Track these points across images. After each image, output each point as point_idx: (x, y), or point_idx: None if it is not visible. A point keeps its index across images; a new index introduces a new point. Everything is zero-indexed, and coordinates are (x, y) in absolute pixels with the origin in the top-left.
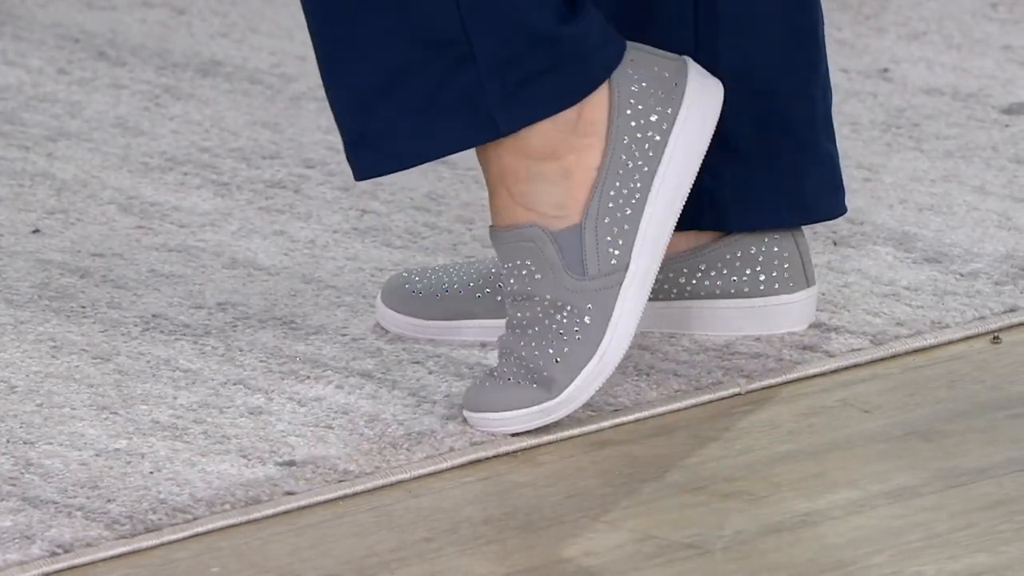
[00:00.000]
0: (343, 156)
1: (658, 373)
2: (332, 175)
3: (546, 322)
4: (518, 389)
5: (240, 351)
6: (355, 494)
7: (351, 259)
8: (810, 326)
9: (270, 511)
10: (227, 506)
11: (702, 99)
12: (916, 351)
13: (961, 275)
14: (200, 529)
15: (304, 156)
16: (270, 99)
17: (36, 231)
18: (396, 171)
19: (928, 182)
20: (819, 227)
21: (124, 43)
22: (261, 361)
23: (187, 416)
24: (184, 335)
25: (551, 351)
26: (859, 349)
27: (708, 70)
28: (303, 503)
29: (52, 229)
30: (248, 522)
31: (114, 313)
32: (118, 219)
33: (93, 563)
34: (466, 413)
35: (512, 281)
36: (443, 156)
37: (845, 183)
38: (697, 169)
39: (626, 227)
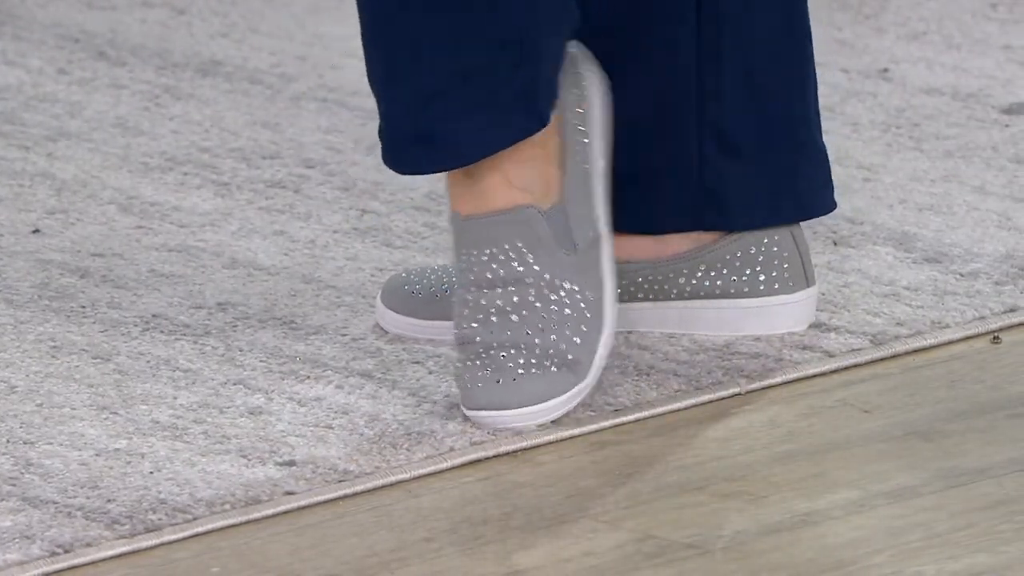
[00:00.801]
0: (343, 156)
1: (658, 373)
2: (332, 175)
3: (539, 304)
4: (543, 379)
5: (240, 351)
6: (355, 494)
7: (351, 259)
8: (810, 326)
9: (270, 511)
10: (227, 506)
11: (596, 76)
12: (916, 351)
13: (961, 275)
14: (200, 529)
15: (304, 156)
16: (270, 99)
17: (36, 231)
18: (454, 168)
19: (928, 182)
20: (819, 227)
21: (124, 43)
22: (261, 361)
23: (187, 416)
24: (184, 335)
25: (567, 332)
26: (859, 349)
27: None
28: (303, 503)
29: (52, 229)
30: (248, 522)
31: (114, 313)
32: (118, 219)
33: (93, 563)
34: (491, 414)
35: (493, 266)
36: (501, 150)
37: (845, 183)
38: (610, 139)
39: (589, 197)
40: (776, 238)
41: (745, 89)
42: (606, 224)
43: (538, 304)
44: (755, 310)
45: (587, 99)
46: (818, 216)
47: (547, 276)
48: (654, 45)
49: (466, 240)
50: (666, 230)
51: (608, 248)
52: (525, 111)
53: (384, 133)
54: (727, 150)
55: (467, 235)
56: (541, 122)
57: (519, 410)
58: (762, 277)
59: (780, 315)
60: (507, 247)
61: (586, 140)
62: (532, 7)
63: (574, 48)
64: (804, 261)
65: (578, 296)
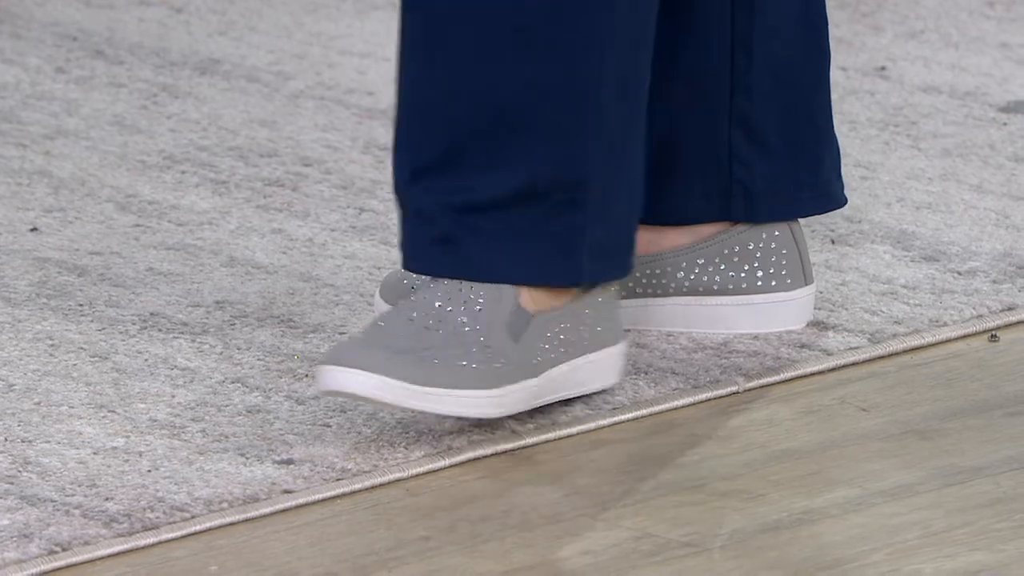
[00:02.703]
0: (341, 154)
1: (656, 371)
2: (330, 173)
3: (464, 340)
4: (415, 367)
5: (238, 349)
6: (353, 492)
7: (349, 257)
8: (808, 324)
9: (268, 509)
10: (225, 504)
11: (612, 366)
12: (914, 349)
13: (959, 273)
14: (198, 527)
15: (302, 154)
16: (268, 97)
17: (34, 229)
18: (466, 280)
19: (926, 180)
20: (817, 225)
21: (122, 41)
22: (259, 359)
23: (185, 414)
24: (182, 333)
25: (453, 352)
26: (857, 347)
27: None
28: (301, 501)
29: (50, 227)
30: (246, 520)
31: (112, 311)
32: (116, 217)
33: (91, 561)
34: (339, 369)
35: (457, 292)
36: (516, 284)
37: (844, 181)
38: (594, 389)
39: (552, 356)
40: (776, 234)
41: (771, 80)
42: (544, 385)
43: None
44: (753, 307)
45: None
46: (836, 209)
47: (480, 329)
48: (691, 40)
49: None
50: (697, 220)
51: (527, 393)
52: (560, 259)
53: (408, 228)
54: (754, 141)
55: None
56: (577, 277)
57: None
58: (760, 273)
59: (777, 313)
60: (473, 290)
61: (586, 333)
62: (604, 160)
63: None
64: (803, 258)
65: (476, 346)
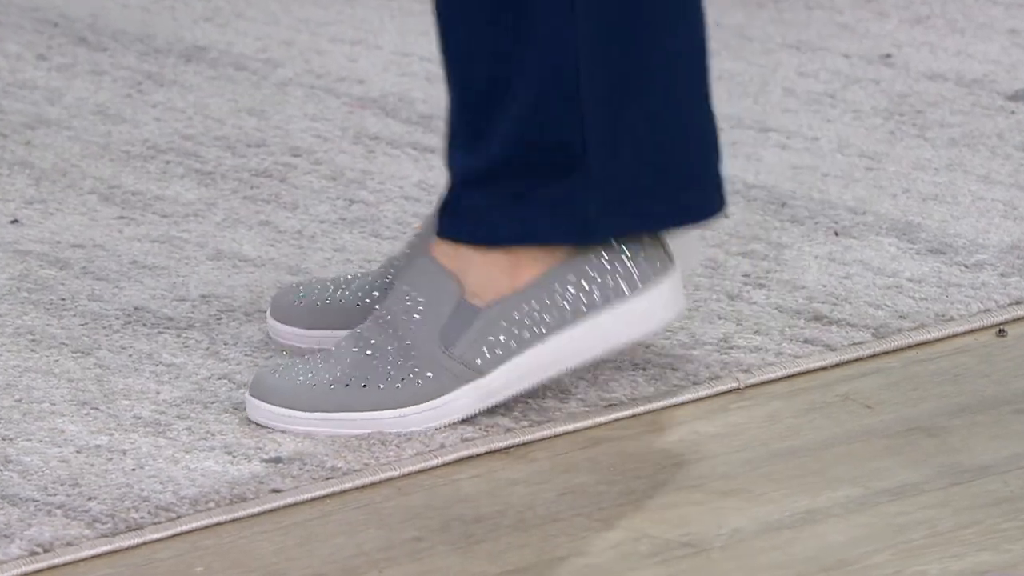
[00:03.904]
0: (331, 144)
1: (654, 367)
2: (319, 164)
3: (389, 359)
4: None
5: (225, 345)
6: (343, 491)
7: (339, 250)
8: (811, 318)
9: (255, 509)
10: (211, 504)
11: (658, 305)
12: (919, 344)
13: (966, 266)
14: (184, 528)
15: (291, 144)
16: (256, 85)
17: (14, 221)
18: (473, 244)
19: (932, 171)
20: (820, 217)
21: (105, 28)
22: (246, 355)
23: (170, 412)
24: (167, 328)
25: (367, 379)
26: (861, 343)
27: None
28: (289, 501)
29: (31, 219)
30: (233, 520)
31: (95, 306)
32: (99, 209)
33: (74, 562)
34: (252, 399)
35: (394, 300)
36: (524, 244)
37: (847, 172)
38: (602, 354)
39: (512, 344)
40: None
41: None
42: (504, 380)
43: (389, 357)
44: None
45: (619, 304)
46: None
47: (409, 343)
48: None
49: (409, 265)
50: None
51: (476, 396)
52: (566, 218)
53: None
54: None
55: (412, 260)
56: (587, 236)
57: (268, 405)
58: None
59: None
60: (414, 294)
61: (569, 309)
62: (597, 118)
63: (667, 259)
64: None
65: (412, 372)
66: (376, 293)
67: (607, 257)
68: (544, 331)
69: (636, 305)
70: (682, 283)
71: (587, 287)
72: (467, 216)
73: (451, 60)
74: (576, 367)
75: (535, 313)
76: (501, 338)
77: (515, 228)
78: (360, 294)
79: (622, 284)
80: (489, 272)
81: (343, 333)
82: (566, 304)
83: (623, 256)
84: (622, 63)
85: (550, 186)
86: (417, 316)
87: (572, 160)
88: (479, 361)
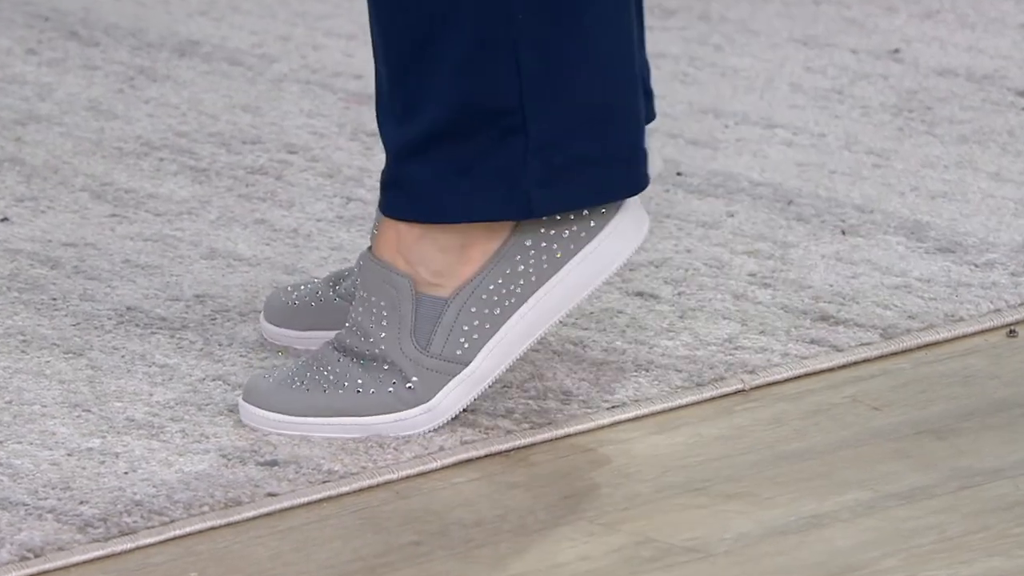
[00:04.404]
0: (327, 141)
1: (657, 368)
2: (315, 161)
3: (372, 364)
4: (307, 395)
5: (219, 345)
6: (340, 495)
7: (336, 249)
8: (818, 318)
9: (251, 513)
10: (206, 508)
11: (620, 237)
12: (928, 345)
13: (976, 266)
14: (177, 532)
15: (286, 141)
16: (251, 81)
17: (4, 219)
18: (420, 222)
19: (941, 168)
20: (827, 215)
21: (97, 22)
22: (241, 356)
23: (164, 414)
24: (160, 329)
25: (359, 383)
26: (869, 343)
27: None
28: (285, 505)
29: (21, 217)
30: (228, 525)
31: (87, 306)
32: (91, 207)
33: (65, 567)
34: (244, 403)
35: (360, 309)
36: (470, 222)
37: (855, 169)
38: (579, 300)
39: (487, 326)
40: None
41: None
42: (494, 360)
43: (373, 364)
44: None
45: (582, 248)
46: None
47: (382, 348)
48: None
49: (361, 272)
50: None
51: (468, 384)
52: (506, 191)
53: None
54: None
55: (363, 265)
56: (527, 209)
57: (262, 411)
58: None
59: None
60: (374, 299)
61: (532, 272)
62: (536, 81)
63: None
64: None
65: (396, 380)
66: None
67: None
68: (515, 302)
69: (599, 245)
70: (640, 206)
71: (545, 245)
72: (408, 191)
73: (380, 24)
74: (559, 320)
75: (502, 288)
76: (475, 323)
77: (458, 205)
78: (355, 289)
79: (578, 230)
80: (441, 257)
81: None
82: (529, 269)
83: None
84: (558, 20)
85: (490, 156)
86: (384, 323)
87: (510, 125)
88: (459, 352)
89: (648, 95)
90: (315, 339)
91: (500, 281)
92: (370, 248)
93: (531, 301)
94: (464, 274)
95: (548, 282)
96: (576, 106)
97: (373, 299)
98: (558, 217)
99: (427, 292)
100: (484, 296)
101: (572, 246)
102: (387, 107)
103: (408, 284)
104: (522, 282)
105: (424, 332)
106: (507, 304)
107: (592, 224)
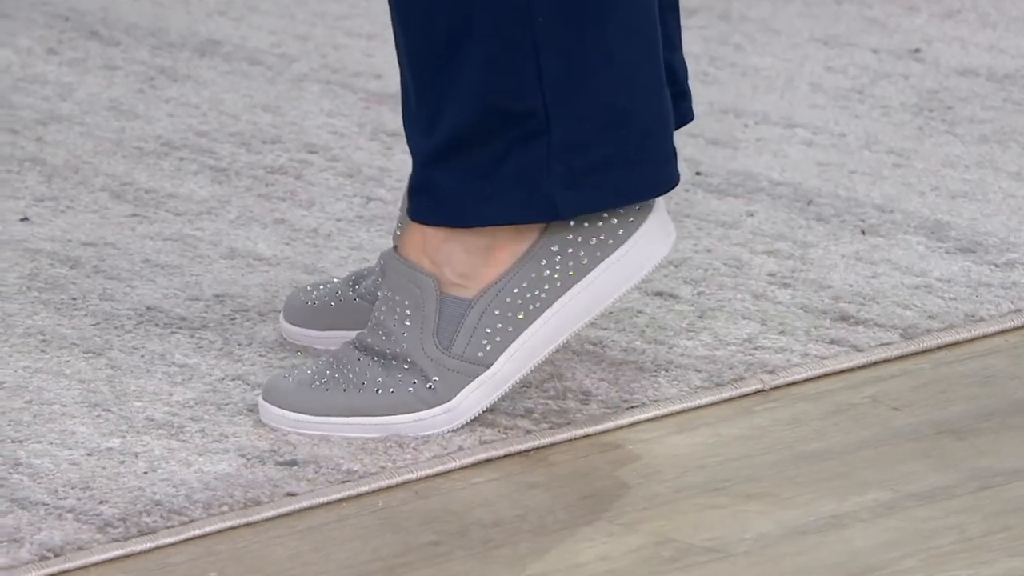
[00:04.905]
0: (347, 140)
1: (677, 368)
2: (335, 160)
3: (392, 364)
4: (326, 395)
5: (239, 345)
6: (359, 495)
7: (355, 248)
8: (838, 319)
9: (270, 513)
10: (225, 508)
11: (648, 245)
12: (949, 345)
13: (996, 266)
14: (197, 532)
15: (306, 140)
16: (270, 81)
17: (25, 219)
18: (448, 226)
19: (962, 168)
20: (847, 215)
21: (117, 22)
22: (261, 356)
23: (183, 413)
24: (180, 328)
25: (379, 383)
26: (889, 343)
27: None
28: (304, 504)
29: (42, 217)
30: (247, 524)
31: (107, 305)
32: (111, 206)
33: (85, 567)
34: (265, 404)
35: (384, 308)
36: (495, 225)
37: (875, 169)
38: (605, 307)
39: (510, 329)
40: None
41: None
42: (516, 364)
43: (393, 363)
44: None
45: (609, 255)
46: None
47: (403, 348)
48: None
49: (384, 271)
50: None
51: (488, 387)
52: (528, 194)
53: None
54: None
55: (386, 264)
56: (552, 212)
57: (280, 410)
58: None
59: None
60: (397, 299)
61: (557, 278)
62: (557, 83)
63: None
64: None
65: (416, 380)
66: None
67: (584, 215)
68: (539, 306)
69: (625, 252)
70: (667, 214)
71: (571, 251)
72: (433, 196)
73: (405, 34)
74: (581, 329)
75: (527, 292)
76: (498, 325)
77: (483, 209)
78: (375, 289)
79: (605, 238)
80: (466, 259)
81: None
82: (555, 275)
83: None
84: (579, 23)
85: (513, 159)
86: (408, 323)
87: (533, 129)
88: (481, 354)
89: (684, 95)
90: (335, 339)
91: (525, 284)
92: (395, 248)
93: (556, 306)
94: (489, 276)
95: (573, 288)
96: (599, 109)
97: (397, 298)
98: (586, 224)
99: (451, 293)
100: (508, 299)
101: (599, 253)
102: (414, 116)
103: (433, 284)
104: (547, 286)
105: (447, 332)
106: (531, 308)
107: (620, 232)
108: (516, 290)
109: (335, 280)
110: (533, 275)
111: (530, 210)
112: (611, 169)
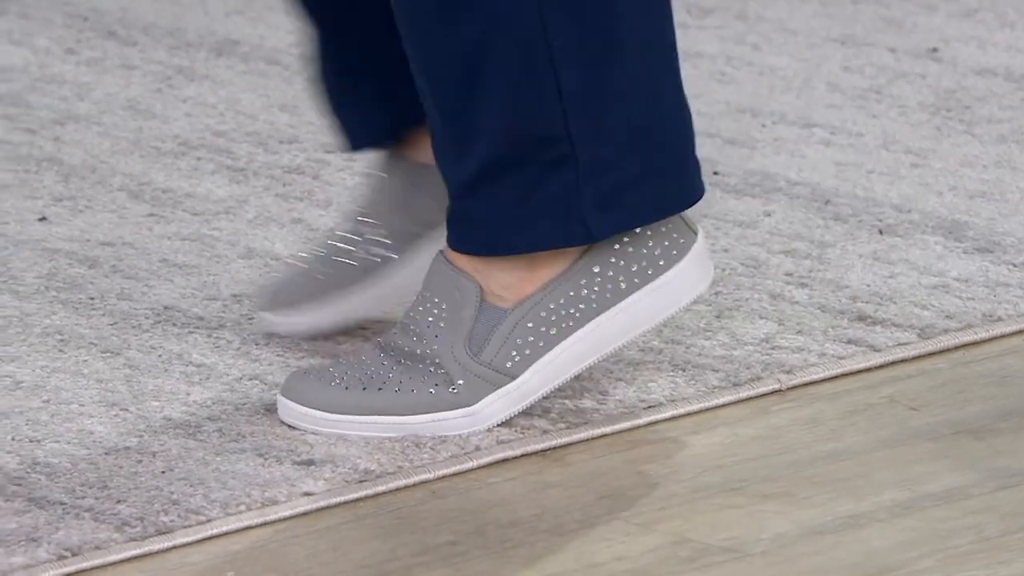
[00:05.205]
0: None
1: (694, 368)
2: (352, 160)
3: (419, 366)
4: (341, 392)
5: (256, 345)
6: (376, 495)
7: None
8: (855, 318)
9: (287, 512)
10: (242, 507)
11: (686, 279)
12: (966, 345)
13: (1014, 265)
14: (214, 531)
15: (323, 140)
16: (288, 80)
17: (43, 219)
18: (487, 255)
19: (980, 167)
20: (864, 215)
21: (135, 21)
22: (278, 355)
23: (200, 413)
24: (198, 328)
25: (400, 383)
26: (906, 343)
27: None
28: (322, 504)
29: (59, 217)
30: (264, 524)
31: (124, 305)
32: (129, 206)
33: (102, 567)
34: (286, 400)
35: (420, 308)
36: (533, 252)
37: (892, 168)
38: (639, 336)
39: (541, 344)
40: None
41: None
42: (540, 380)
43: (420, 365)
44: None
45: (649, 283)
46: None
47: (434, 349)
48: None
49: (429, 270)
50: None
51: (511, 399)
52: (563, 219)
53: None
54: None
55: (433, 264)
56: (587, 235)
57: (299, 406)
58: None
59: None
60: (436, 300)
61: (594, 299)
62: (578, 106)
63: (689, 229)
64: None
65: (440, 380)
66: (353, 238)
67: (627, 240)
68: (572, 325)
69: (663, 283)
70: (707, 251)
71: (611, 275)
72: (471, 226)
73: (423, 68)
74: (610, 354)
75: (562, 309)
76: (530, 339)
77: (520, 238)
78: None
79: (646, 266)
80: (508, 276)
81: (353, 295)
82: (592, 295)
83: (645, 237)
84: (594, 41)
85: (544, 185)
86: (442, 324)
87: (561, 154)
88: (509, 364)
89: None
90: (340, 307)
91: (562, 301)
92: (441, 252)
93: (589, 326)
94: (528, 289)
95: (608, 311)
96: (622, 128)
97: (436, 300)
98: (630, 249)
99: (490, 302)
100: (543, 313)
101: (637, 280)
102: (442, 146)
103: (476, 289)
104: (583, 306)
105: (479, 339)
106: (564, 326)
107: (661, 263)
108: (552, 305)
109: (304, 255)
110: (571, 293)
111: (565, 235)
112: (639, 187)
